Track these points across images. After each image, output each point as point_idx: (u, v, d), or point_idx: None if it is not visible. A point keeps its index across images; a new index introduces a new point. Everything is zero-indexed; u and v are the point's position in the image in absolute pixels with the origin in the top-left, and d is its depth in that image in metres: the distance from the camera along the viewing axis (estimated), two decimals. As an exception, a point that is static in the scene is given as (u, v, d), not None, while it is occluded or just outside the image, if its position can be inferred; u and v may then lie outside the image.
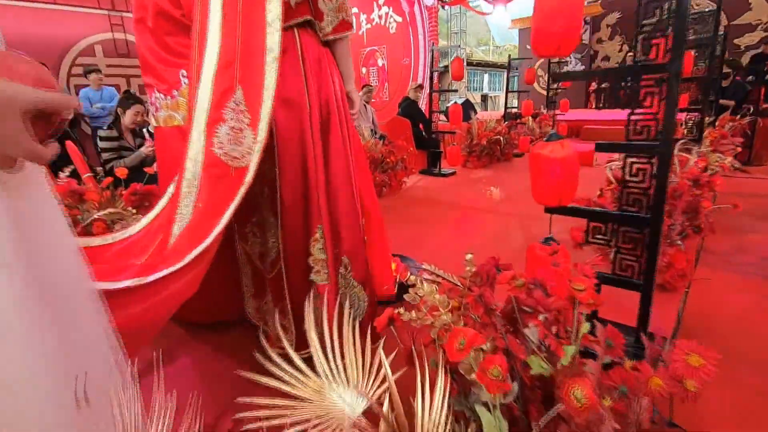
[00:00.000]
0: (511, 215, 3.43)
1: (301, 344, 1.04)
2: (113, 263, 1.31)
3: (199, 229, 1.08)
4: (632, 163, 1.39)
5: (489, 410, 0.80)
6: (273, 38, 1.13)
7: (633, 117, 1.35)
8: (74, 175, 2.36)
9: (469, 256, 1.01)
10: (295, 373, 0.69)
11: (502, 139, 5.58)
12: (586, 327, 0.97)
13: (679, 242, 2.00)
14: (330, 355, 0.72)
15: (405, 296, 0.88)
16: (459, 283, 1.19)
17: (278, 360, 0.70)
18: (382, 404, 0.67)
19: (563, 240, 1.77)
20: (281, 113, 1.28)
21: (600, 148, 1.46)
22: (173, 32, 1.45)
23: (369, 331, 0.79)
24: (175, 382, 1.39)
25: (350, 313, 0.83)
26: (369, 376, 0.72)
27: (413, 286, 0.89)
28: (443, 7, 8.37)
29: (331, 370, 0.70)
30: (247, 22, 1.13)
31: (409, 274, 1.05)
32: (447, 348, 0.77)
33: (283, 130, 1.29)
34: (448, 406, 0.79)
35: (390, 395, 0.66)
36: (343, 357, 0.73)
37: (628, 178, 1.41)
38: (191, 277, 1.04)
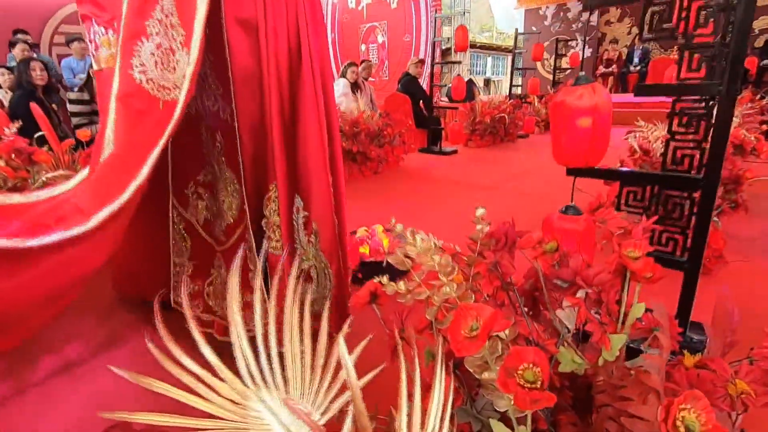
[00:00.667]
0: (518, 194, 3.15)
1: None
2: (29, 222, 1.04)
3: (111, 183, 0.80)
4: (683, 109, 1.11)
5: (510, 426, 0.54)
6: None
7: (689, 43, 1.06)
8: (44, 140, 2.11)
9: (480, 211, 0.73)
10: (205, 374, 0.42)
11: (506, 117, 5.27)
12: (639, 308, 0.71)
13: (715, 218, 1.74)
14: (265, 349, 0.46)
15: (388, 258, 0.61)
16: (463, 254, 0.92)
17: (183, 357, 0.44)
18: (342, 423, 0.40)
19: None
20: (236, 36, 0.99)
21: (640, 91, 1.17)
22: None
23: (327, 318, 0.52)
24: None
25: (309, 290, 0.57)
26: (324, 379, 0.45)
27: (399, 241, 0.62)
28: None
29: (262, 370, 0.44)
30: None
31: (393, 225, 0.76)
32: (450, 334, 0.50)
33: (239, 58, 1.00)
34: (450, 420, 0.52)
35: (354, 407, 0.40)
36: (282, 350, 0.46)
37: (675, 129, 1.13)
38: (100, 242, 0.76)
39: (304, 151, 1.11)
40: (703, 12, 1.03)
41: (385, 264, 1.17)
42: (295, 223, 1.11)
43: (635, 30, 11.31)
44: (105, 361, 1.29)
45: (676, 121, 1.11)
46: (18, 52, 4.33)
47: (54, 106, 3.88)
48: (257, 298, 0.53)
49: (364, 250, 1.80)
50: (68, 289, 0.79)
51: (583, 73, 1.24)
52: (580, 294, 0.68)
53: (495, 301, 0.72)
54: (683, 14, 1.05)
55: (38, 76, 3.84)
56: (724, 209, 1.81)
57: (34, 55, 4.50)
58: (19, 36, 4.74)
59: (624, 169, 1.27)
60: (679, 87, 1.09)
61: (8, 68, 4.05)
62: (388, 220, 0.70)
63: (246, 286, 1.15)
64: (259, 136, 1.06)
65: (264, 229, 1.09)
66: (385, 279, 0.66)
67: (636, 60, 10.30)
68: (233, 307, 0.47)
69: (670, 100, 1.17)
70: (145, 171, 0.79)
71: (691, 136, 1.10)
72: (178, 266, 1.32)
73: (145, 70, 0.84)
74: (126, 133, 0.84)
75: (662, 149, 2.18)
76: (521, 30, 10.12)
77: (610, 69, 11.48)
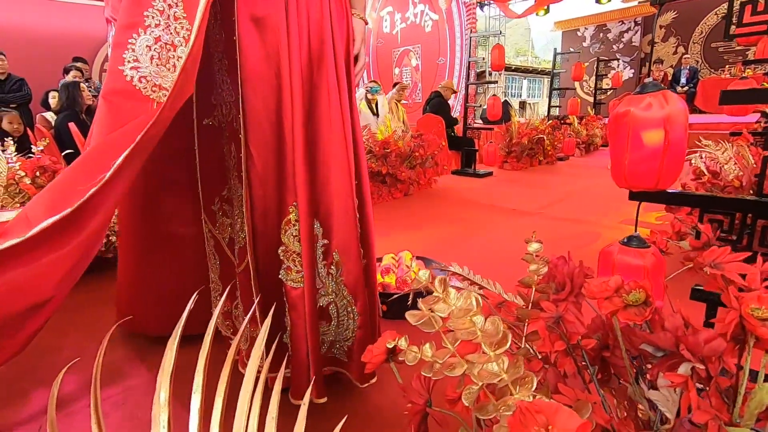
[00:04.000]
0: (561, 220, 2.90)
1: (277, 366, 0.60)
2: None
3: (65, 189, 0.67)
4: (787, 119, 0.89)
5: None
6: None
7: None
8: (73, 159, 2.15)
9: (534, 246, 0.55)
10: None
11: (545, 138, 5.02)
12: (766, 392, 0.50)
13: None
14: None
15: (408, 316, 0.43)
16: (508, 297, 0.73)
17: None
18: None
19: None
20: (249, 36, 0.88)
21: (727, 98, 0.96)
22: None
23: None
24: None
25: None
26: None
27: (425, 292, 0.44)
28: (481, 7, 7.91)
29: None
30: None
31: (413, 267, 0.59)
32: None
33: (251, 61, 0.88)
34: None
35: None
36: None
37: (776, 143, 0.91)
38: (46, 263, 0.63)
39: (326, 170, 0.97)
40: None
41: (410, 300, 0.99)
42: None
43: (681, 50, 10.83)
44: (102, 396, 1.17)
45: (777, 135, 0.89)
46: (70, 78, 4.54)
47: (96, 126, 4.00)
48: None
49: (390, 280, 1.63)
50: (15, 322, 0.66)
51: (651, 79, 1.05)
52: (683, 369, 0.48)
53: (556, 369, 0.53)
54: (786, 3, 0.84)
55: (87, 96, 4.00)
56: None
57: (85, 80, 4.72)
58: (77, 64, 4.97)
59: (702, 193, 1.04)
60: (780, 92, 0.88)
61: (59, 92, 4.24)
62: (419, 246, 0.54)
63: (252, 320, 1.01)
64: (272, 150, 0.93)
65: (281, 258, 0.96)
66: (404, 341, 0.48)
67: (683, 80, 9.82)
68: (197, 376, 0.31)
69: (727, 120, 0.96)
70: (109, 178, 0.66)
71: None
72: (212, 282, 1.24)
73: (139, 66, 0.73)
74: (101, 134, 0.73)
75: (735, 171, 1.91)
76: (559, 50, 9.90)
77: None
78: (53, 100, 4.34)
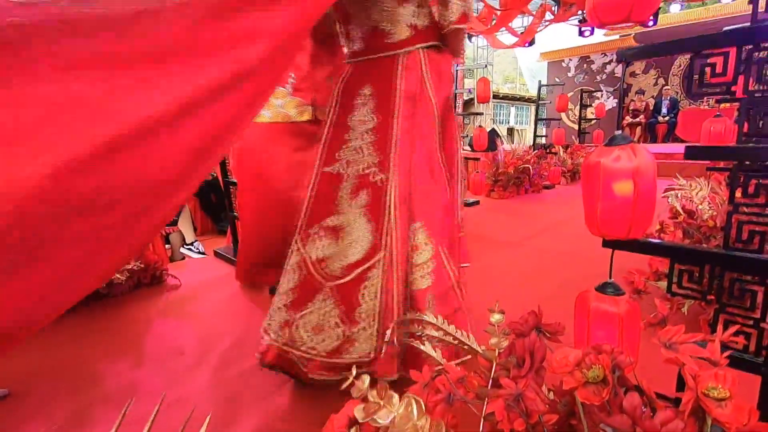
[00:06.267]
0: (544, 252, 2.91)
1: None
2: None
3: None
4: (749, 175, 0.92)
5: None
6: None
7: (753, 98, 0.88)
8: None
9: (496, 317, 0.55)
10: None
11: (531, 168, 5.11)
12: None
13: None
14: None
15: (356, 412, 0.42)
16: (480, 349, 0.73)
17: None
18: None
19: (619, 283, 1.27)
20: (406, 107, 1.30)
21: (692, 154, 0.99)
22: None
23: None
24: None
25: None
26: None
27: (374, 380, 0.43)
28: (469, 38, 8.16)
29: None
30: None
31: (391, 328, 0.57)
32: None
33: (404, 125, 1.30)
34: None
35: None
36: None
37: (740, 198, 0.93)
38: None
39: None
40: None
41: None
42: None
43: (661, 81, 11.23)
44: None
45: (739, 191, 0.92)
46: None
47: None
48: None
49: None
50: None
51: (620, 131, 1.08)
52: (641, 452, 0.48)
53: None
54: (742, 68, 0.88)
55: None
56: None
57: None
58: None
59: (672, 243, 1.06)
60: (740, 150, 0.90)
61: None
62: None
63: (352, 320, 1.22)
64: (406, 190, 1.29)
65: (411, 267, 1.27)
66: (359, 413, 0.47)
67: (664, 110, 10.15)
68: None
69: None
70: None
71: (760, 209, 0.89)
72: (282, 295, 1.33)
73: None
74: None
75: (709, 211, 1.95)
76: (545, 81, 10.18)
77: (638, 119, 11.32)
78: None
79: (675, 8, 9.57)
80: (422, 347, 0.82)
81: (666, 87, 11.22)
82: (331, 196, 1.33)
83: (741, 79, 0.89)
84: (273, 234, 1.78)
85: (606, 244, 1.13)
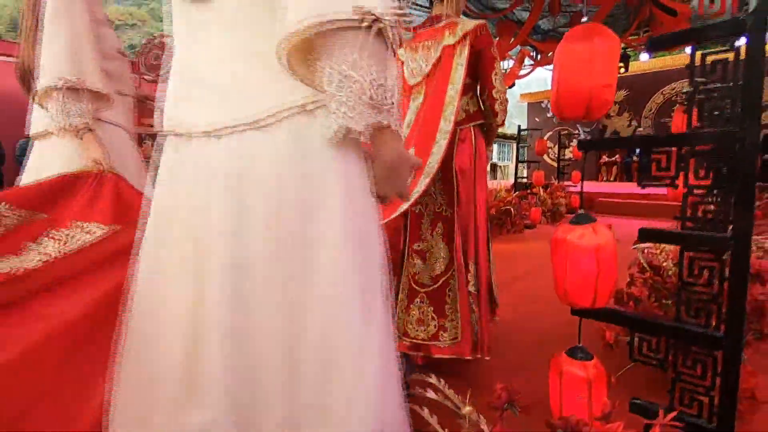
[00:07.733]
0: (525, 298, 3.01)
1: None
2: None
3: None
4: (692, 258, 1.04)
5: None
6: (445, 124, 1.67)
7: (691, 196, 1.01)
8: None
9: (467, 409, 0.63)
10: None
11: (512, 209, 5.29)
12: None
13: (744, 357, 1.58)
14: None
15: None
16: (460, 407, 0.80)
17: None
18: None
19: (589, 335, 1.36)
20: (461, 179, 1.80)
21: (645, 236, 1.12)
22: None
23: None
24: None
25: None
26: None
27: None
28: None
29: None
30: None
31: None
32: None
33: (461, 187, 1.81)
34: None
35: None
36: None
37: (687, 278, 1.05)
38: None
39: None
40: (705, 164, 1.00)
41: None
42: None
43: (635, 123, 11.85)
44: None
45: (685, 273, 1.04)
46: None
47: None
48: None
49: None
50: None
51: (582, 211, 1.20)
52: None
53: None
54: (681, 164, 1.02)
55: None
56: (748, 340, 1.67)
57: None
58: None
59: (630, 314, 1.17)
60: (684, 237, 1.03)
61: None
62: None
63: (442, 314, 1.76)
64: (465, 225, 1.81)
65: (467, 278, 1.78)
66: None
67: (638, 150, 10.61)
68: None
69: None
70: None
71: (704, 290, 1.01)
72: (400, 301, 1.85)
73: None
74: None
75: (673, 268, 2.09)
76: (524, 123, 10.64)
77: (614, 159, 11.82)
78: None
79: (644, 57, 10.22)
80: (422, 413, 0.89)
81: (639, 128, 11.83)
82: (419, 226, 1.84)
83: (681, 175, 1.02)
84: None
85: (574, 312, 1.24)
